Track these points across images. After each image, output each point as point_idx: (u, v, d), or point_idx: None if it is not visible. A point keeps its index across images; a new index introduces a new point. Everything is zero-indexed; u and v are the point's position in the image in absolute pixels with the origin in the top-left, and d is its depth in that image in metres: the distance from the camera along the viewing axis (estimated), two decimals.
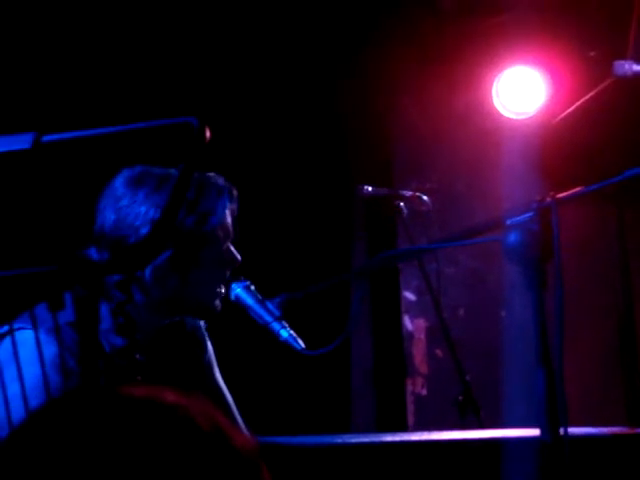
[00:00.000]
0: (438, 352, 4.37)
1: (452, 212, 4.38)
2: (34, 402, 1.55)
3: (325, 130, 4.12)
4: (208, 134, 1.43)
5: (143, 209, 2.13)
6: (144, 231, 2.11)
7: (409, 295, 4.42)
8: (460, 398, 3.69)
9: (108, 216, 2.16)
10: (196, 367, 2.39)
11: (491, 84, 4.10)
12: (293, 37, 4.01)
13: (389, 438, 1.68)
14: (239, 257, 2.27)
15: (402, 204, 3.75)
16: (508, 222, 1.72)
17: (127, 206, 2.15)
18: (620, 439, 1.89)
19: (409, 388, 4.36)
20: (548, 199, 1.69)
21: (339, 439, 1.63)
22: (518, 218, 1.71)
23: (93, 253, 2.13)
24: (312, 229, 4.10)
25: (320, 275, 3.96)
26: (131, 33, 3.72)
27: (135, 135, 1.45)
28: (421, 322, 4.42)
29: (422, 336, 4.41)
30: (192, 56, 3.85)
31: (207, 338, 2.44)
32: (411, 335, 4.41)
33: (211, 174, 2.28)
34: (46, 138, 1.45)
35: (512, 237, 1.70)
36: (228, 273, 2.28)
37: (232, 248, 2.28)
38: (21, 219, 2.98)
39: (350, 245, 4.26)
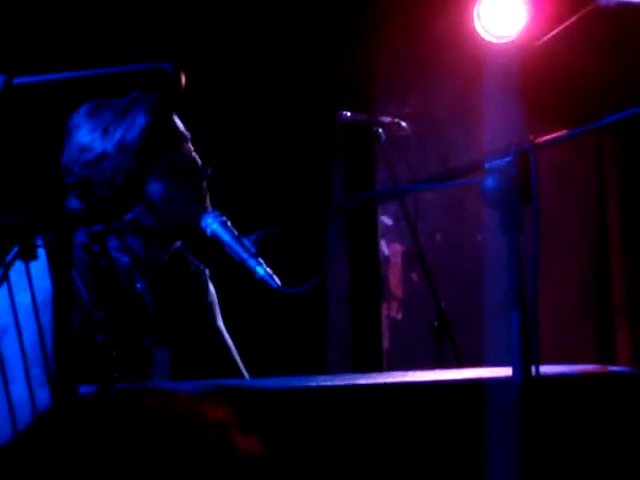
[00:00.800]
0: (414, 276, 4.40)
1: (432, 136, 4.37)
2: (45, 316, 1.54)
3: (306, 56, 4.07)
4: (183, 80, 1.40)
5: (109, 146, 2.14)
6: (119, 179, 2.11)
7: (386, 220, 4.42)
8: (435, 324, 3.73)
9: (71, 150, 2.16)
10: (197, 309, 2.41)
11: (472, 7, 4.05)
12: None
13: (363, 380, 1.69)
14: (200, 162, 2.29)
15: (380, 130, 3.74)
16: (486, 166, 1.71)
17: (90, 140, 2.15)
18: (592, 378, 1.92)
19: (384, 312, 4.40)
20: (527, 143, 1.68)
21: (313, 382, 1.64)
22: (496, 162, 1.70)
23: (73, 202, 2.14)
24: (291, 155, 4.08)
25: (299, 203, 3.98)
26: None
27: (111, 79, 1.42)
28: (397, 247, 4.43)
29: (398, 260, 4.43)
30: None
31: (210, 284, 2.46)
32: (387, 259, 4.43)
33: None
34: (17, 80, 1.42)
35: (490, 181, 1.69)
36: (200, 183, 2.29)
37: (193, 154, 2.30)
38: None
39: (329, 171, 4.24)
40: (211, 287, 2.48)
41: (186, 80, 1.41)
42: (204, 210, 2.29)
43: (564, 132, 1.67)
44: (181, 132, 2.27)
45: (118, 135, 2.19)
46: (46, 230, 1.31)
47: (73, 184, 2.17)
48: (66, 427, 0.90)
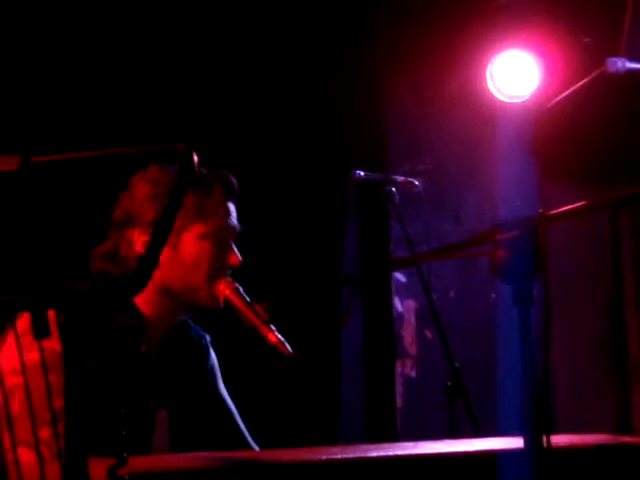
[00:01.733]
0: (428, 333, 4.39)
1: (445, 195, 4.39)
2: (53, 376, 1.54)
3: (318, 115, 4.11)
4: (196, 159, 1.43)
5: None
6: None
7: (399, 276, 4.43)
8: (449, 383, 3.71)
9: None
10: (197, 373, 2.43)
11: (485, 67, 4.08)
12: (287, 24, 3.98)
13: (375, 453, 1.69)
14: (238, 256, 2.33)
15: (393, 189, 3.75)
16: (497, 238, 1.72)
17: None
18: (605, 449, 1.91)
19: (398, 369, 4.38)
20: (537, 216, 1.69)
21: (323, 455, 1.64)
22: (506, 234, 1.71)
23: None
24: (304, 215, 4.10)
25: (312, 263, 3.99)
26: (117, 52, 3.69)
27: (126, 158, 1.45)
28: (411, 303, 4.43)
29: (412, 317, 4.43)
30: (185, 52, 3.83)
31: (211, 349, 2.49)
32: (401, 316, 4.42)
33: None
34: (33, 160, 1.45)
35: (499, 254, 1.71)
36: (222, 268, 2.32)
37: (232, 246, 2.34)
38: (8, 241, 2.98)
39: (342, 231, 4.26)
40: (212, 353, 2.50)
41: (199, 159, 1.44)
42: (219, 292, 2.33)
43: (574, 205, 1.69)
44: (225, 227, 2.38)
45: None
46: (57, 309, 1.33)
47: None
48: None
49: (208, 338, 2.50)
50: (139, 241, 2.31)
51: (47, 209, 3.06)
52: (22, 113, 3.41)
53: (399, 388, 4.37)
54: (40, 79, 3.51)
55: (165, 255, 2.29)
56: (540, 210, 1.69)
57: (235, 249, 2.37)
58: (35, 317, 1.36)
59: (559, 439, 1.88)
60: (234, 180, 2.41)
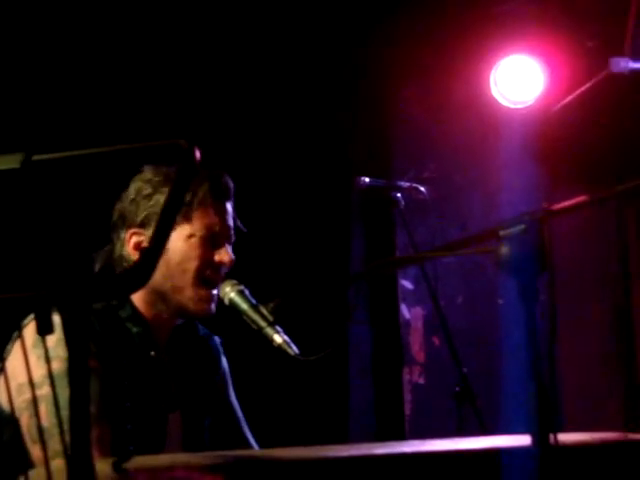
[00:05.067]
0: (435, 340, 4.38)
1: (450, 201, 4.38)
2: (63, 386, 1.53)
3: (324, 122, 4.11)
4: (198, 155, 1.42)
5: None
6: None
7: (406, 283, 4.42)
8: (457, 389, 3.70)
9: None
10: (208, 379, 2.42)
11: (489, 73, 4.09)
12: (294, 29, 3.99)
13: (381, 450, 1.68)
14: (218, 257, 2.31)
15: (399, 195, 3.75)
16: (501, 234, 1.72)
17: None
18: (612, 447, 1.90)
19: (406, 377, 4.37)
20: (541, 210, 1.69)
21: (331, 452, 1.63)
22: (511, 230, 1.71)
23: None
24: (309, 221, 4.10)
25: (318, 269, 3.99)
26: (119, 48, 3.70)
27: (128, 154, 1.45)
28: (418, 310, 4.43)
29: (419, 324, 4.42)
30: (190, 50, 3.84)
31: (222, 353, 2.47)
32: (408, 323, 4.42)
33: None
34: (35, 158, 1.45)
35: (504, 249, 1.70)
36: (205, 272, 2.30)
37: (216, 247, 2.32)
38: (8, 238, 2.99)
39: (348, 237, 4.26)
40: (224, 358, 2.49)
41: (201, 155, 1.44)
42: (206, 296, 2.31)
43: (579, 199, 1.68)
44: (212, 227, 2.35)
45: None
46: (60, 305, 1.33)
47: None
48: None
49: (218, 340, 2.49)
50: (131, 241, 2.32)
51: (50, 207, 3.07)
52: (24, 111, 3.41)
53: (407, 395, 4.36)
54: (43, 77, 3.52)
55: None
56: (544, 204, 1.69)
57: (227, 248, 2.32)
58: (39, 315, 1.36)
59: (567, 437, 1.87)
60: (227, 180, 2.36)
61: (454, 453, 1.75)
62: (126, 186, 2.34)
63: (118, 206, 2.36)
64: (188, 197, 2.29)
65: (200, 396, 2.39)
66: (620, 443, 1.92)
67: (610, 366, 4.25)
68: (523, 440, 1.76)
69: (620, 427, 3.73)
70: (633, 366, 4.23)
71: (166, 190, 2.28)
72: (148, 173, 2.32)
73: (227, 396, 2.46)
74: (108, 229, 2.37)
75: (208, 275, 2.30)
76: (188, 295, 2.29)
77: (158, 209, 2.26)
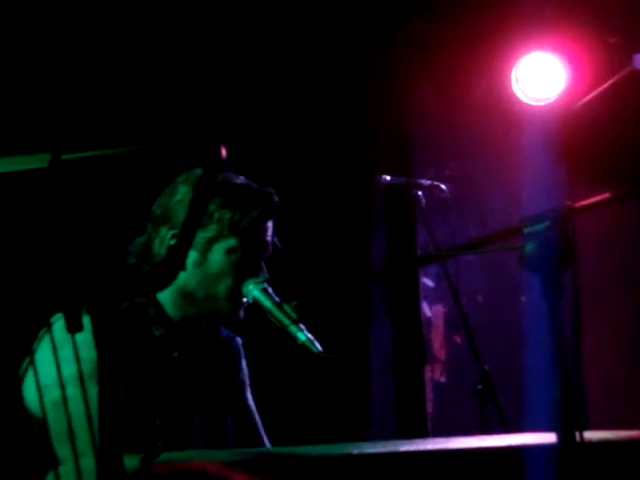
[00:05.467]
0: (456, 338, 4.38)
1: (471, 200, 4.38)
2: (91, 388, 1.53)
3: (344, 120, 4.11)
4: (224, 154, 1.43)
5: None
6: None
7: (427, 281, 4.42)
8: (479, 387, 3.70)
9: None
10: (229, 381, 2.43)
11: (510, 71, 4.07)
12: (315, 27, 3.99)
13: (406, 447, 1.69)
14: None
15: (420, 193, 3.74)
16: (525, 231, 1.72)
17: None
18: (638, 444, 1.89)
19: (428, 375, 4.37)
20: (565, 208, 1.69)
21: (355, 449, 1.64)
22: (535, 227, 1.71)
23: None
24: (331, 220, 4.10)
25: (339, 268, 4.00)
26: (144, 49, 3.72)
27: (154, 154, 1.46)
28: (439, 308, 4.42)
29: (440, 322, 4.42)
30: (209, 57, 3.85)
31: (243, 356, 2.49)
32: (429, 321, 4.41)
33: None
34: (64, 157, 1.46)
35: (529, 247, 1.70)
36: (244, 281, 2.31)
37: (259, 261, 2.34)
38: (39, 239, 3.01)
39: (369, 235, 4.26)
40: (244, 360, 2.50)
41: (227, 153, 1.45)
42: (238, 306, 2.33)
43: (602, 197, 1.68)
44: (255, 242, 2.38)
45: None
46: (90, 303, 1.34)
47: None
48: None
49: (239, 341, 2.51)
50: (170, 242, 2.33)
51: (79, 205, 3.09)
52: (50, 111, 3.43)
53: (429, 393, 4.36)
54: (69, 77, 3.53)
55: (193, 261, 2.31)
56: (568, 202, 1.69)
57: (262, 264, 2.36)
58: (68, 312, 1.37)
59: (591, 435, 1.87)
60: (276, 199, 2.39)
61: (480, 450, 1.75)
62: (152, 183, 2.35)
63: (164, 201, 2.36)
64: (239, 213, 2.32)
65: (221, 397, 2.40)
66: None
67: (633, 363, 4.24)
68: (548, 438, 1.76)
69: None
70: None
71: (215, 200, 2.30)
72: (197, 176, 2.34)
73: (245, 399, 2.48)
74: (136, 227, 2.38)
75: (241, 293, 2.33)
76: (222, 305, 2.32)
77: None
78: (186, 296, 2.32)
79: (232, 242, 2.32)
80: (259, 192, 2.37)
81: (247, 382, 2.50)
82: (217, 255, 2.32)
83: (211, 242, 2.31)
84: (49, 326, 2.07)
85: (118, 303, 1.29)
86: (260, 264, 2.35)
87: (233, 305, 2.32)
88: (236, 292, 2.32)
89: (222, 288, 2.31)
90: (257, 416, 2.48)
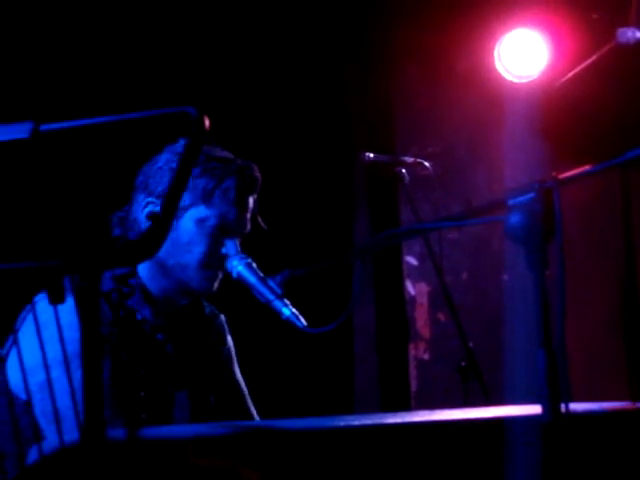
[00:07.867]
0: (440, 316, 4.39)
1: (454, 176, 4.37)
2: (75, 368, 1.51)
3: (326, 98, 4.10)
4: (207, 123, 1.42)
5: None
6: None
7: (411, 260, 4.42)
8: (463, 364, 3.71)
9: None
10: (214, 357, 2.42)
11: (493, 47, 4.07)
12: (297, 8, 3.97)
13: (391, 420, 1.69)
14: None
15: (403, 170, 3.73)
16: (510, 203, 1.71)
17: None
18: (621, 415, 1.90)
19: (411, 353, 4.38)
20: (549, 180, 1.68)
21: (341, 422, 1.64)
22: (520, 199, 1.71)
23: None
24: (314, 197, 4.10)
25: (323, 244, 3.99)
26: (131, 22, 3.69)
27: (136, 124, 1.44)
28: (423, 286, 4.43)
29: (424, 301, 4.42)
30: (194, 38, 3.83)
31: (227, 331, 2.47)
32: (413, 300, 4.42)
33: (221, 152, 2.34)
34: (44, 127, 1.44)
35: (514, 218, 1.70)
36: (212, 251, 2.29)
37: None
38: (19, 209, 2.99)
39: (352, 213, 4.26)
40: (229, 336, 2.49)
41: (210, 123, 1.43)
42: (210, 277, 2.30)
43: (587, 167, 1.68)
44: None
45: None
46: (74, 272, 1.32)
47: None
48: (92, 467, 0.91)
49: (223, 318, 2.49)
50: (146, 209, 2.31)
51: (61, 176, 3.06)
52: (31, 81, 3.40)
53: (413, 371, 4.37)
54: (50, 48, 3.50)
55: None
56: (553, 173, 1.68)
57: (236, 242, 2.31)
58: (51, 283, 1.36)
59: (576, 406, 1.87)
60: (255, 173, 2.34)
61: (465, 422, 1.75)
62: (135, 152, 2.33)
63: (145, 169, 2.34)
64: (212, 182, 2.28)
65: (206, 374, 2.39)
66: (630, 412, 1.93)
67: (616, 337, 4.25)
68: (532, 409, 1.76)
69: (626, 398, 3.73)
70: (638, 334, 4.23)
71: (195, 170, 2.27)
72: (180, 146, 2.31)
73: (232, 374, 2.47)
74: (118, 198, 2.36)
75: (211, 264, 2.30)
76: (191, 274, 2.29)
77: None
78: (159, 266, 2.29)
79: (203, 212, 2.29)
80: (235, 163, 2.33)
81: (234, 357, 2.48)
82: (187, 223, 2.29)
83: (183, 210, 2.28)
84: (33, 305, 2.05)
85: (101, 273, 1.27)
86: (232, 241, 2.30)
87: (204, 275, 2.29)
88: (207, 263, 2.29)
89: (191, 257, 2.28)
90: (246, 390, 2.47)
